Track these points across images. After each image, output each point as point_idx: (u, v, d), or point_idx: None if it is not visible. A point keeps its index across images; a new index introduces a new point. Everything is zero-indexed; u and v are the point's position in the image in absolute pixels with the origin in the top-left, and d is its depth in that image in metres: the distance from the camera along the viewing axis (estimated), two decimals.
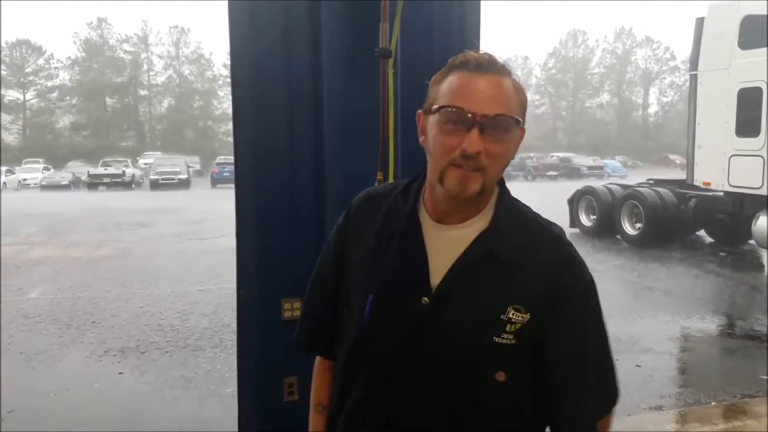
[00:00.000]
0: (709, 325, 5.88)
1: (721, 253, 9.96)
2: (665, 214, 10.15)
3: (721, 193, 9.10)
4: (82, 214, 16.73)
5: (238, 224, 2.16)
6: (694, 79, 9.52)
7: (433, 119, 1.03)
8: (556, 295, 1.04)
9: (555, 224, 1.13)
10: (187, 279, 7.87)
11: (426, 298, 1.03)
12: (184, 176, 30.33)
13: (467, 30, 2.12)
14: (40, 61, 54.48)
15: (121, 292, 7.17)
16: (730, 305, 6.83)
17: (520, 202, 1.14)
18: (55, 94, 54.71)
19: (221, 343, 5.18)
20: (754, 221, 8.35)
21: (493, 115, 0.98)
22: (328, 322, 1.19)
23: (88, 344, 5.21)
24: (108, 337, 5.41)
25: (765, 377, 4.46)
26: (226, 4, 1.99)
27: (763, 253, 9.12)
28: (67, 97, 55.46)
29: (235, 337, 5.10)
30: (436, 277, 1.05)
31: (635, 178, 18.68)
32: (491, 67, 1.01)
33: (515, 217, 1.09)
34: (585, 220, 11.91)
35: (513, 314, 1.02)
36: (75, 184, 31.11)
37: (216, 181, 30.41)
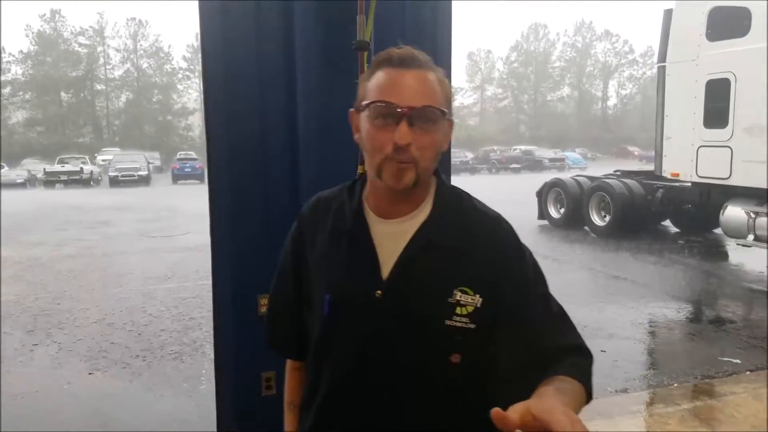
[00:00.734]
0: (672, 311, 6.06)
1: (680, 242, 10.27)
2: (633, 205, 10.30)
3: (689, 184, 9.22)
4: (41, 212, 16.27)
5: (212, 221, 2.15)
6: (662, 70, 9.56)
7: (364, 116, 1.06)
8: (500, 280, 1.07)
9: (491, 209, 1.16)
10: (153, 277, 7.74)
11: (379, 291, 1.07)
12: (144, 173, 29.66)
13: (439, 28, 2.15)
14: None
15: (85, 293, 7.01)
16: (693, 292, 7.07)
17: (459, 189, 1.17)
18: (7, 90, 52.81)
19: (194, 343, 5.12)
20: (722, 211, 8.46)
21: (420, 107, 1.01)
22: (293, 328, 1.23)
23: (55, 346, 5.09)
24: (74, 339, 5.29)
25: (725, 359, 4.65)
26: None
27: (728, 241, 9.34)
28: (20, 93, 53.71)
29: (205, 334, 5.08)
30: (385, 270, 1.08)
31: (595, 169, 19.07)
32: (414, 62, 1.04)
33: (453, 206, 1.13)
34: (554, 212, 12.05)
35: (460, 296, 1.05)
36: (31, 182, 30.29)
37: (177, 177, 29.90)
